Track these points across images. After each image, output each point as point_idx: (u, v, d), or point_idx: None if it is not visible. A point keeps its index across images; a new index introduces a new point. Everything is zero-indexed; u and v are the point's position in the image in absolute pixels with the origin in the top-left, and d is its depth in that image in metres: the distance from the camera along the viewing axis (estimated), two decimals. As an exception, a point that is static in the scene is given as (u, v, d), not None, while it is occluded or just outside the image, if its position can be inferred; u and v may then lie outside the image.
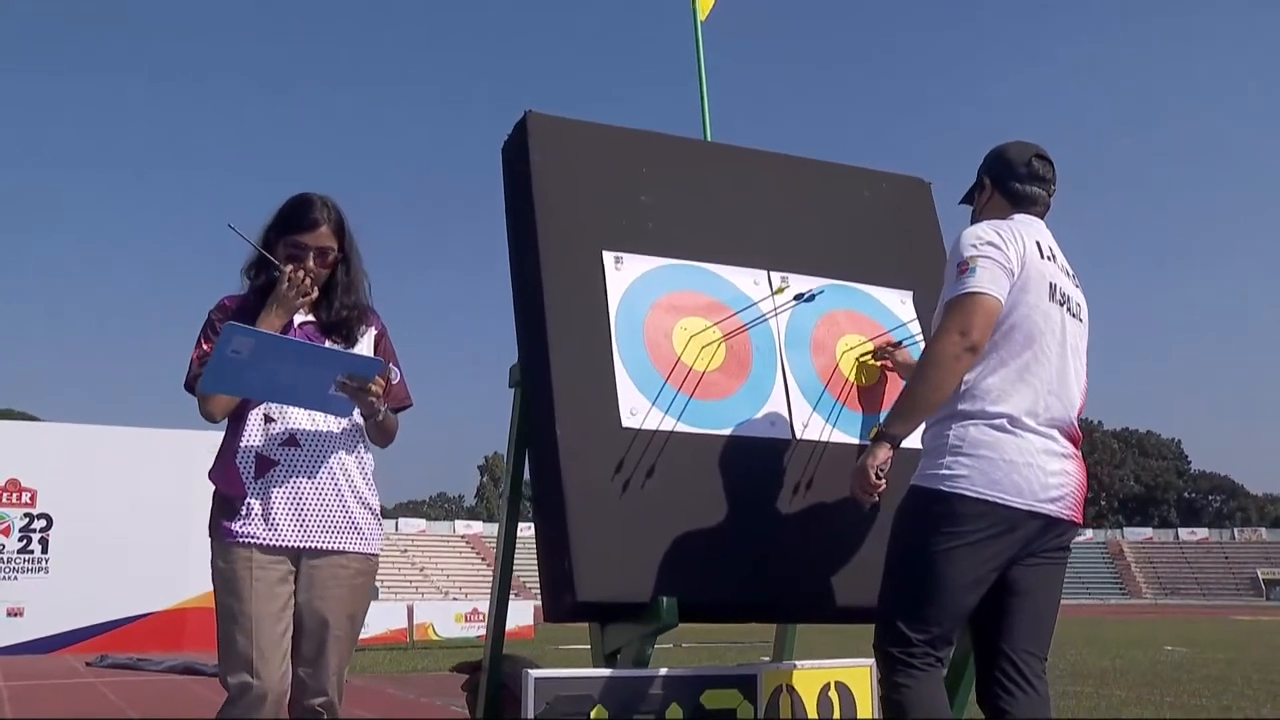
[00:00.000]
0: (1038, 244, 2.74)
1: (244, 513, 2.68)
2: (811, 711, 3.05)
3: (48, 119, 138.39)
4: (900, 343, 3.49)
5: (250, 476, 2.71)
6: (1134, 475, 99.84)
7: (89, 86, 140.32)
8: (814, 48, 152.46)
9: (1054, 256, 2.78)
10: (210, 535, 2.74)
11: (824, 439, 3.30)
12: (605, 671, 2.88)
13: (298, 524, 2.70)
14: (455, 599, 29.38)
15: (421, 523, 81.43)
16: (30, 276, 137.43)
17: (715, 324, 3.29)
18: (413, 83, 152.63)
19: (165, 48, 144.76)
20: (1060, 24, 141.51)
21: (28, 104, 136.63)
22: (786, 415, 3.29)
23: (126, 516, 16.03)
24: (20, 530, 16.16)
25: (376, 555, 2.88)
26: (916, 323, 3.59)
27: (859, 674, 3.17)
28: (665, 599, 2.85)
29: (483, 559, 75.38)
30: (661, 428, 3.10)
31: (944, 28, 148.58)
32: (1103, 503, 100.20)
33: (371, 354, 2.86)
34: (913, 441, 2.85)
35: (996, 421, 2.62)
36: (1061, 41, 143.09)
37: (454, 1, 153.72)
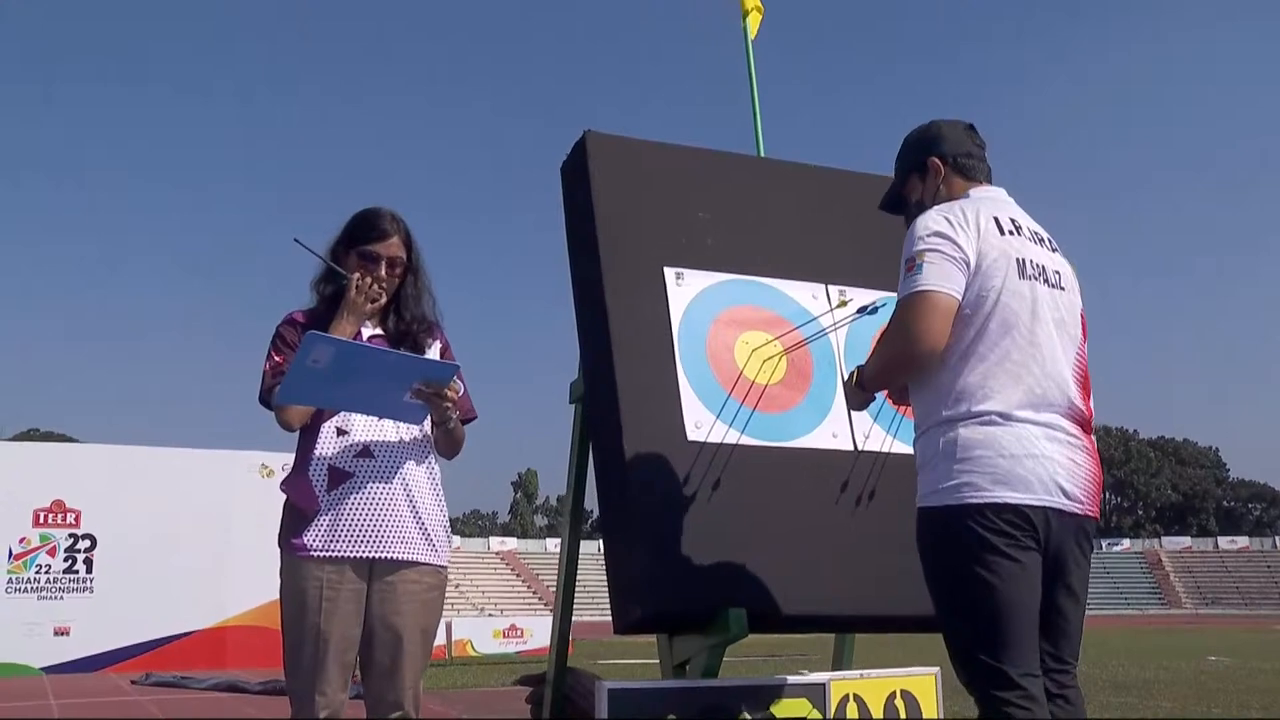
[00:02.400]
0: (995, 220, 2.50)
1: (316, 525, 2.68)
2: (878, 718, 3.08)
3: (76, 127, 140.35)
4: None
5: (324, 488, 2.71)
6: (1171, 484, 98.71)
7: (125, 95, 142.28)
8: (863, 63, 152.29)
9: (1018, 229, 2.53)
10: (280, 547, 2.75)
11: (886, 450, 3.33)
12: (677, 682, 2.92)
13: (371, 536, 2.70)
14: (492, 615, 29.42)
15: (456, 540, 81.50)
16: (58, 292, 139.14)
17: (776, 338, 3.33)
18: (460, 104, 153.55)
19: (213, 59, 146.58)
20: (1111, 29, 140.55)
21: (60, 112, 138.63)
22: (849, 427, 3.32)
23: (168, 536, 16.19)
24: (65, 551, 16.34)
25: (446, 567, 2.89)
26: None
27: (924, 682, 3.19)
28: (733, 611, 2.87)
29: (518, 575, 75.48)
30: (726, 441, 3.14)
31: (989, 40, 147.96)
32: (1140, 512, 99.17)
33: None
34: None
35: (985, 418, 2.39)
36: (1114, 46, 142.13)
37: (503, 24, 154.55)
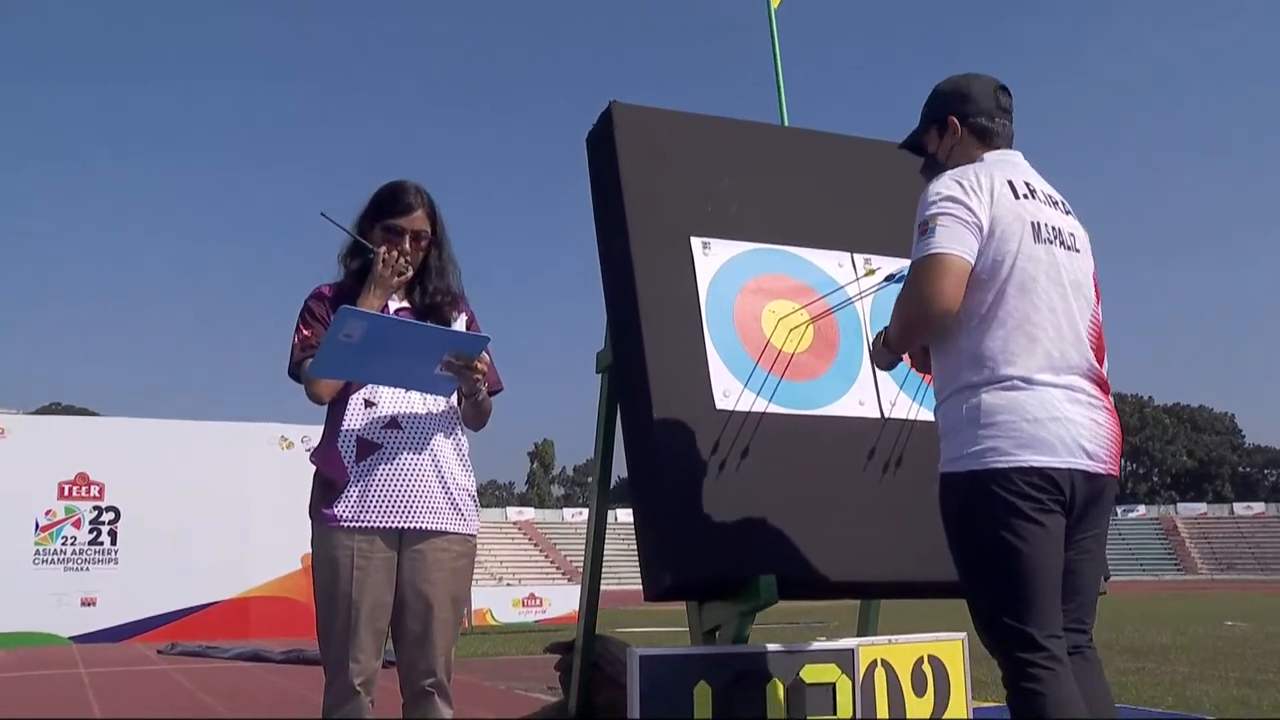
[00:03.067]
0: (1010, 184, 2.50)
1: (345, 496, 2.72)
2: (906, 684, 3.11)
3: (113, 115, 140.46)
4: None
5: (352, 460, 2.74)
6: (1187, 450, 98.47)
7: (132, 72, 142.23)
8: (888, 30, 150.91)
9: (1032, 192, 2.53)
10: (311, 518, 2.78)
11: (912, 417, 3.35)
12: (708, 648, 2.95)
13: (400, 506, 2.73)
14: (510, 585, 29.62)
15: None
16: (82, 271, 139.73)
17: (803, 306, 3.34)
18: (484, 75, 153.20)
19: (232, 47, 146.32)
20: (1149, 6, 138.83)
21: (101, 99, 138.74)
22: (875, 394, 3.34)
23: (189, 508, 16.40)
24: (90, 523, 16.54)
25: (475, 536, 2.92)
26: None
27: (952, 647, 3.22)
28: (763, 578, 2.90)
29: (535, 545, 75.87)
30: (754, 409, 3.16)
31: (1019, 12, 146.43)
32: (1155, 478, 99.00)
33: None
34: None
35: (1007, 383, 2.40)
36: (1149, 24, 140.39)
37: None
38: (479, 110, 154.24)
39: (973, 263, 2.43)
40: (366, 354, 2.58)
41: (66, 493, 16.51)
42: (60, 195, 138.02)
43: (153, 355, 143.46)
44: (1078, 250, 2.56)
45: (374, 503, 2.72)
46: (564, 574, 63.25)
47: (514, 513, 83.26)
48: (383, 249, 2.80)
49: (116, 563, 16.52)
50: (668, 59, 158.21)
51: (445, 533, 2.80)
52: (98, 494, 16.63)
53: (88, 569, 16.38)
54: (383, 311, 2.79)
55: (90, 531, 16.51)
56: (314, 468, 2.83)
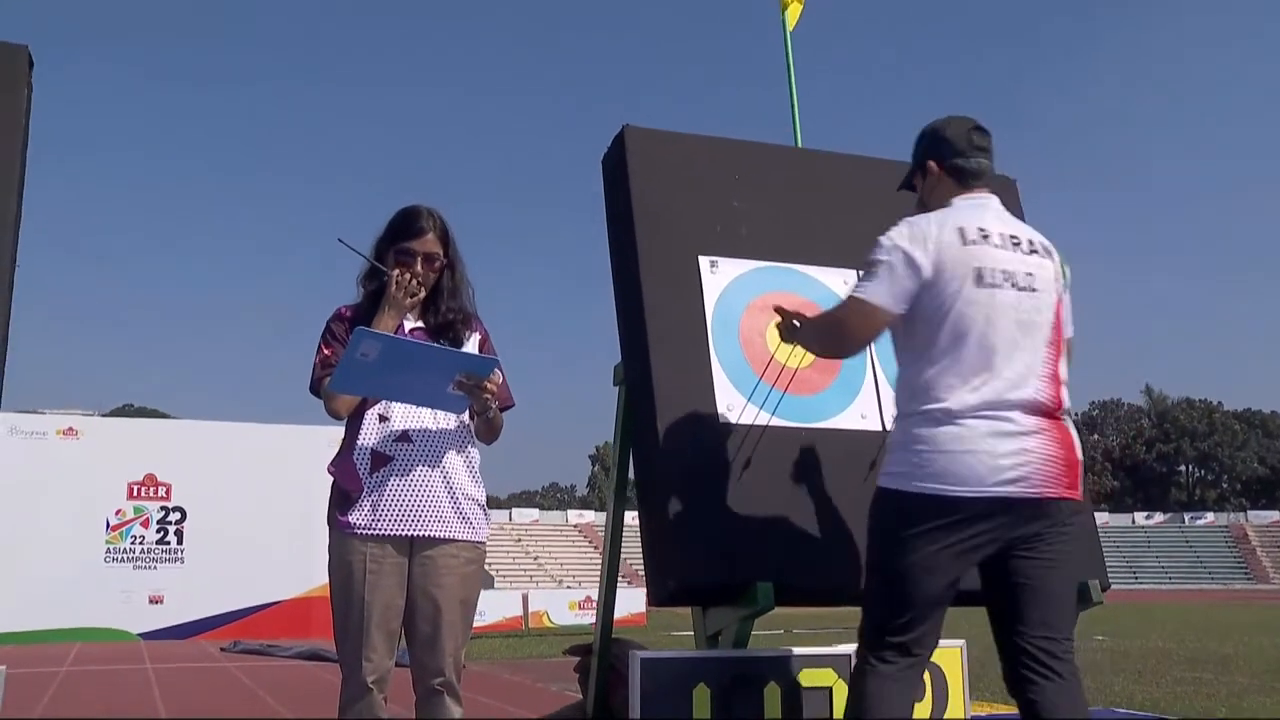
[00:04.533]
0: (960, 231, 2.67)
1: (359, 505, 2.87)
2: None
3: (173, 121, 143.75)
4: None
5: (366, 471, 2.89)
6: (1258, 457, 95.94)
7: (211, 88, 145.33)
8: (899, 52, 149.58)
9: (986, 237, 2.69)
10: (328, 525, 2.94)
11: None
12: (707, 652, 3.07)
13: (410, 515, 2.88)
14: (569, 587, 29.84)
15: (535, 512, 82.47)
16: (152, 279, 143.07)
17: (808, 322, 3.44)
18: (508, 93, 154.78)
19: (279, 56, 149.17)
20: (1155, 19, 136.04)
21: (160, 105, 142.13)
22: (878, 408, 3.44)
23: (255, 509, 16.82)
24: (158, 523, 17.08)
25: (484, 543, 3.05)
26: None
27: (950, 655, 3.30)
28: (761, 584, 3.02)
29: (595, 547, 76.00)
30: (757, 422, 3.27)
31: (1025, 30, 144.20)
32: (1225, 485, 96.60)
33: None
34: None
35: (934, 415, 2.61)
36: (1161, 34, 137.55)
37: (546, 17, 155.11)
38: (522, 110, 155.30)
39: (896, 310, 2.68)
40: (382, 372, 2.72)
41: (135, 493, 17.05)
42: (142, 204, 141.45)
43: (222, 358, 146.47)
44: (1034, 290, 2.69)
45: (386, 512, 2.87)
46: (623, 576, 63.01)
47: (575, 515, 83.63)
48: (395, 271, 2.94)
49: (183, 562, 17.02)
50: (685, 75, 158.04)
51: (453, 540, 2.93)
52: (165, 494, 17.15)
53: (155, 568, 16.90)
54: (397, 331, 2.94)
55: (158, 531, 17.03)
56: (331, 478, 2.98)
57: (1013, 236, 2.74)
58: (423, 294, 3.02)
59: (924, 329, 2.67)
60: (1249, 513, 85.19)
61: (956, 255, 2.65)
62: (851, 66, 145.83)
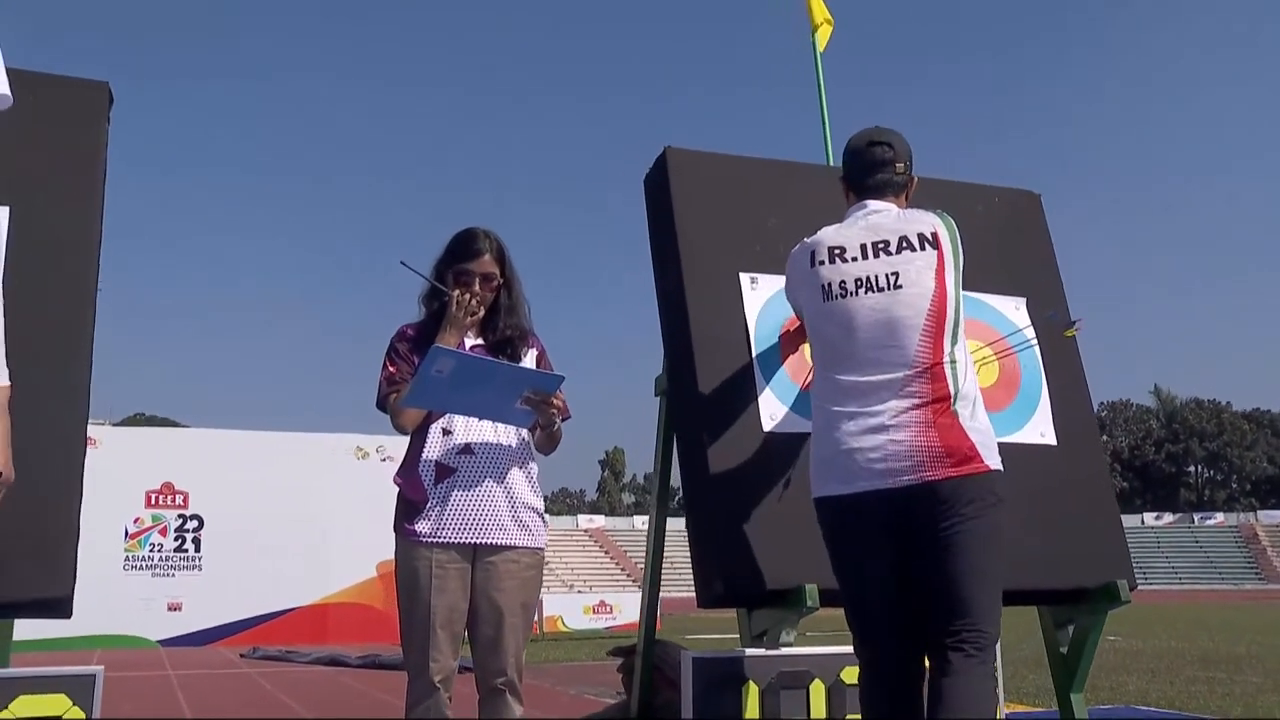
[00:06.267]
0: (812, 254, 2.90)
1: (425, 515, 3.01)
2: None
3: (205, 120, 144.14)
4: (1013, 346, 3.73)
5: (430, 482, 3.04)
6: (1267, 457, 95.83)
7: (253, 87, 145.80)
8: (926, 70, 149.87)
9: (841, 252, 2.84)
10: (395, 533, 3.08)
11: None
12: (755, 651, 3.20)
13: (473, 524, 3.02)
14: (581, 592, 29.93)
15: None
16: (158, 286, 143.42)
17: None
18: (550, 111, 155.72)
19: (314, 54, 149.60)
20: (1175, 30, 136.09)
21: (185, 106, 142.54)
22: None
23: (270, 517, 16.94)
24: (175, 530, 17.20)
25: (543, 549, 3.19)
26: (1030, 328, 3.83)
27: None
28: (807, 586, 3.15)
29: (606, 552, 76.19)
30: (798, 431, 3.40)
31: (1049, 43, 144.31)
32: (1234, 485, 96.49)
33: None
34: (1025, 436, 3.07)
35: (817, 425, 2.84)
36: (1187, 46, 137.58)
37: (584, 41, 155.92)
38: (554, 123, 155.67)
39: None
40: (454, 388, 2.87)
41: (153, 501, 17.19)
42: (153, 212, 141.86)
43: (232, 367, 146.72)
44: (898, 287, 2.77)
45: (450, 521, 3.01)
46: (634, 580, 63.32)
47: (585, 520, 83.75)
48: (455, 291, 3.08)
49: (201, 569, 17.14)
50: (720, 95, 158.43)
51: (514, 547, 3.07)
52: (182, 503, 17.29)
53: (173, 575, 17.02)
54: (459, 348, 3.07)
55: (175, 539, 17.16)
56: (397, 488, 3.12)
57: (876, 242, 2.83)
58: (481, 313, 3.15)
59: (811, 346, 2.97)
60: (1259, 512, 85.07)
61: (803, 278, 2.93)
62: (881, 79, 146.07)
